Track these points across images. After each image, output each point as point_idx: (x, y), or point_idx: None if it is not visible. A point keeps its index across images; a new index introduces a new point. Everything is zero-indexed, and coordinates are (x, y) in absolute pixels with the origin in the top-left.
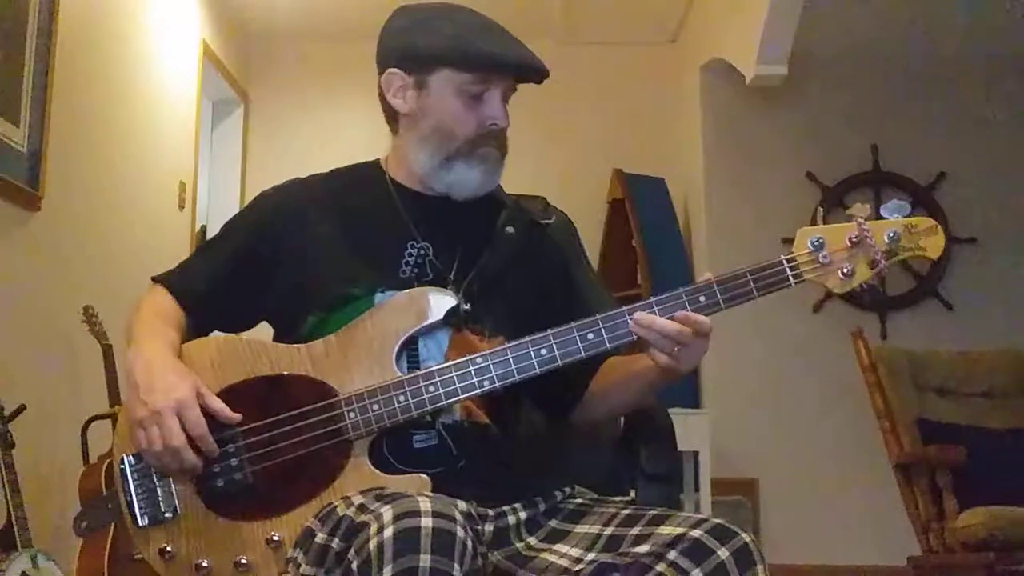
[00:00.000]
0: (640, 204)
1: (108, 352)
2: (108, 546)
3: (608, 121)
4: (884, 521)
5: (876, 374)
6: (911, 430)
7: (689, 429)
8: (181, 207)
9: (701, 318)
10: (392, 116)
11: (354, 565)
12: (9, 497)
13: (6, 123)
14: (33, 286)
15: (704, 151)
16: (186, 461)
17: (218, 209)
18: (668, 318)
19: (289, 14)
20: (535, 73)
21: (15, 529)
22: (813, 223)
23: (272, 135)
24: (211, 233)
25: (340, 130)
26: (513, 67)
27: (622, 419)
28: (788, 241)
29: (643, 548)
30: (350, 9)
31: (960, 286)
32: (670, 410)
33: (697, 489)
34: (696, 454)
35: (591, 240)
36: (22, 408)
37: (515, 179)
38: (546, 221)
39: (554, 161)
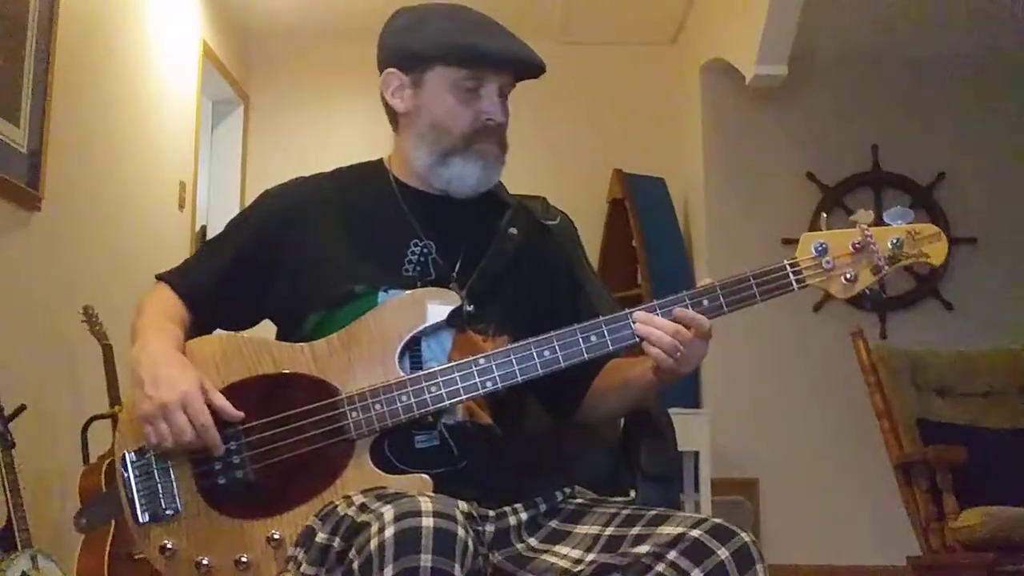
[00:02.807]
0: (640, 204)
1: (108, 352)
2: (108, 545)
3: (608, 121)
4: (884, 521)
5: (876, 374)
6: (911, 430)
7: (689, 429)
8: (181, 207)
9: (700, 317)
10: (392, 115)
11: (355, 565)
12: (9, 497)
13: (6, 123)
14: (33, 286)
15: (704, 151)
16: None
17: (218, 209)
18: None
19: (289, 14)
20: (530, 67)
21: (15, 529)
22: (814, 226)
23: (272, 135)
24: (211, 233)
25: (340, 130)
26: (506, 61)
27: (622, 419)
28: (788, 241)
29: (643, 548)
30: (350, 9)
31: (960, 286)
32: (670, 410)
33: (697, 489)
34: (696, 454)
35: (591, 240)
36: (22, 408)
37: (515, 179)
38: (550, 222)
39: (554, 161)
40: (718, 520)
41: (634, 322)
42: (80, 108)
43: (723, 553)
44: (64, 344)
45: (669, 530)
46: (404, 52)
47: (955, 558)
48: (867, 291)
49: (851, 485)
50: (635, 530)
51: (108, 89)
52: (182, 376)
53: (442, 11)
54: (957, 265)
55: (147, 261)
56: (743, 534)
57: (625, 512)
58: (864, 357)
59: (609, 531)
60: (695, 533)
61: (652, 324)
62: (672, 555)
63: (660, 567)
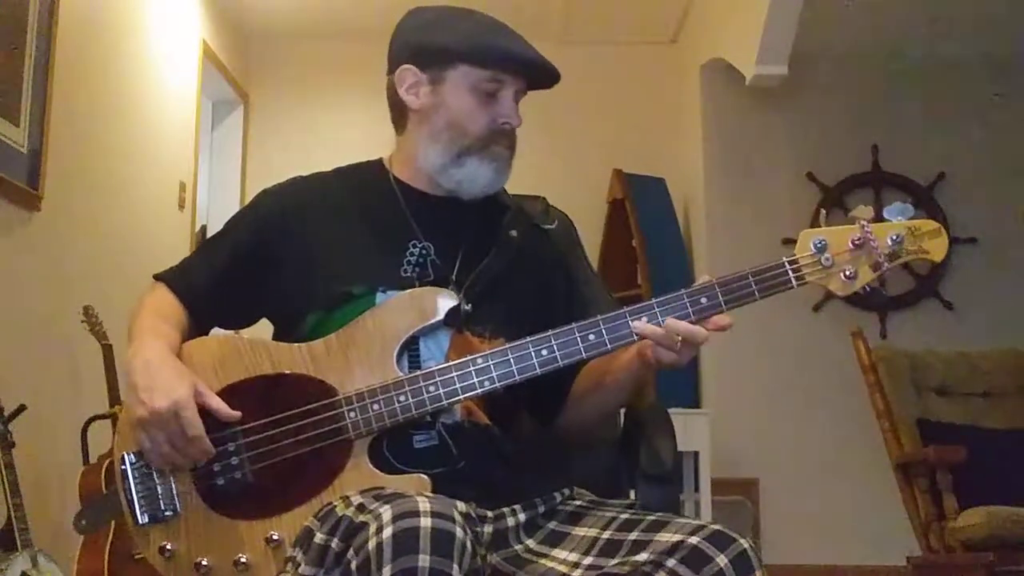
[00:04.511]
0: (640, 204)
1: (108, 352)
2: (108, 546)
3: (608, 121)
4: (884, 521)
5: (876, 374)
6: (911, 430)
7: (689, 429)
8: (181, 207)
9: (696, 329)
10: (401, 113)
11: (353, 565)
12: (9, 497)
13: (6, 123)
14: (33, 286)
15: (704, 151)
16: (184, 462)
17: (218, 209)
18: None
19: (289, 14)
20: (548, 74)
21: (15, 529)
22: (814, 224)
23: (272, 135)
24: (211, 233)
25: (340, 130)
26: (528, 66)
27: (621, 420)
28: (788, 241)
29: (642, 556)
30: (350, 9)
31: (960, 286)
32: (670, 410)
33: (697, 489)
34: (696, 454)
35: (591, 240)
36: (22, 408)
37: (515, 179)
38: (547, 226)
39: (554, 161)
40: (717, 526)
41: (664, 327)
42: (80, 108)
43: (722, 560)
44: (64, 344)
45: (668, 537)
46: (423, 49)
47: (955, 558)
48: (867, 288)
49: (851, 485)
50: (633, 535)
51: (108, 88)
52: (176, 383)
53: (460, 13)
54: (957, 265)
55: (147, 261)
56: (742, 540)
57: (624, 516)
58: (864, 357)
59: (607, 535)
60: (694, 540)
61: (677, 329)
62: (671, 563)
63: (660, 575)
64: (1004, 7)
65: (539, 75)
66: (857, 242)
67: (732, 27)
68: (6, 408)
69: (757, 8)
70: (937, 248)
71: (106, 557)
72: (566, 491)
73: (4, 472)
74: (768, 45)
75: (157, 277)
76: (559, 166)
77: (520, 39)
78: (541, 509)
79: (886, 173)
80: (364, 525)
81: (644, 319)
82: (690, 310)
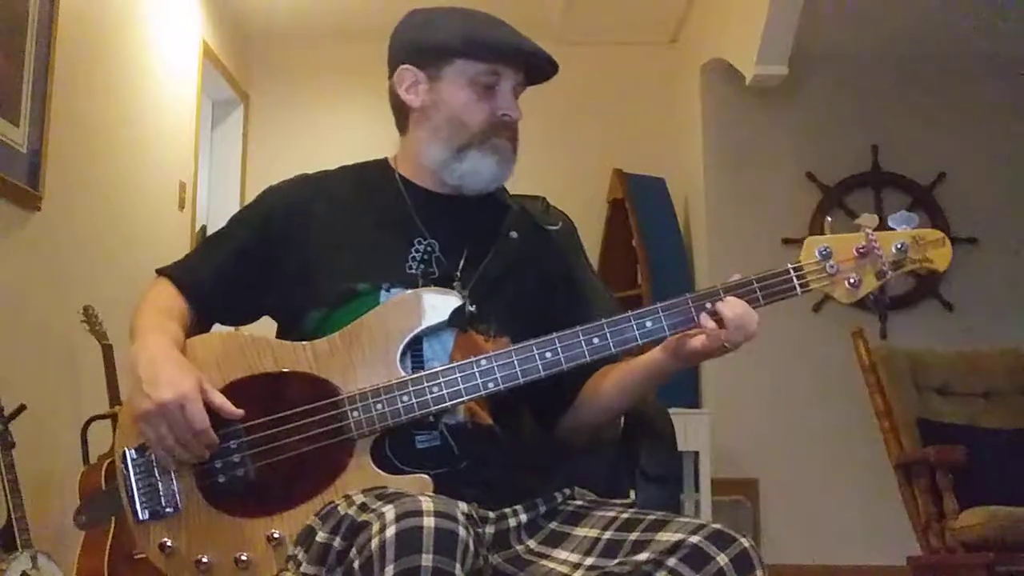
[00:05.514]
0: (640, 204)
1: (108, 352)
2: (108, 545)
3: (608, 121)
4: (884, 521)
5: (876, 374)
6: (911, 430)
7: (689, 429)
8: (181, 207)
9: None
10: (402, 114)
11: (356, 564)
12: (9, 497)
13: (6, 123)
14: (33, 286)
15: (704, 151)
16: (189, 455)
17: (218, 209)
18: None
19: (289, 14)
20: (545, 63)
21: (15, 529)
22: (814, 225)
23: (272, 135)
24: (211, 233)
25: (340, 130)
26: (524, 56)
27: (622, 420)
28: (788, 241)
29: (643, 556)
30: (350, 10)
31: (960, 286)
32: (670, 410)
33: (697, 489)
34: (696, 454)
35: (591, 240)
36: (22, 408)
37: (515, 179)
38: (551, 227)
39: (554, 161)
40: (717, 525)
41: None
42: (80, 108)
43: (723, 559)
44: (64, 344)
45: (668, 536)
46: (420, 47)
47: (955, 558)
48: (871, 295)
49: (851, 485)
50: (634, 535)
51: (108, 89)
52: (181, 377)
53: (457, 11)
54: (957, 265)
55: (147, 261)
56: (742, 539)
57: (624, 516)
58: (864, 357)
59: (608, 535)
60: (694, 539)
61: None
62: (672, 562)
63: (660, 574)
64: (1004, 7)
65: (536, 66)
66: (862, 250)
67: (732, 27)
68: (6, 408)
69: (757, 8)
70: (941, 258)
71: (106, 557)
72: (567, 491)
73: (4, 472)
74: (768, 45)
75: (160, 271)
76: (559, 166)
77: (515, 31)
78: (542, 509)
79: (886, 173)
80: (367, 524)
81: (648, 323)
82: (694, 315)
